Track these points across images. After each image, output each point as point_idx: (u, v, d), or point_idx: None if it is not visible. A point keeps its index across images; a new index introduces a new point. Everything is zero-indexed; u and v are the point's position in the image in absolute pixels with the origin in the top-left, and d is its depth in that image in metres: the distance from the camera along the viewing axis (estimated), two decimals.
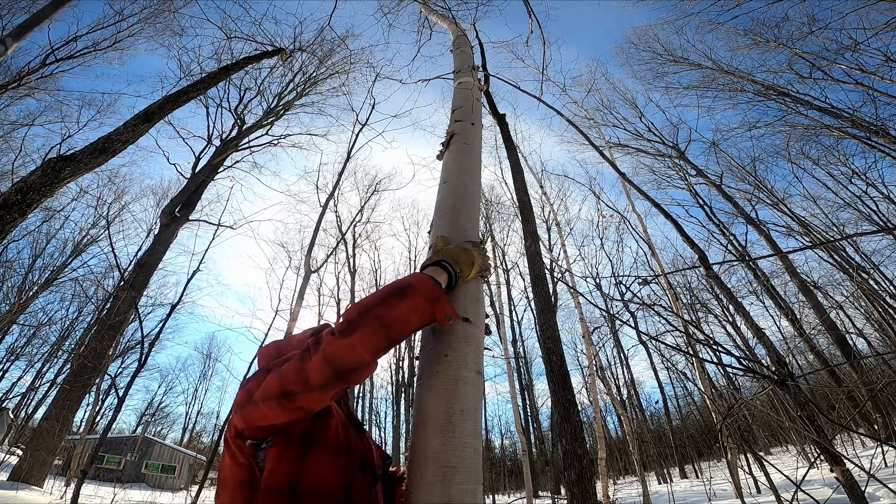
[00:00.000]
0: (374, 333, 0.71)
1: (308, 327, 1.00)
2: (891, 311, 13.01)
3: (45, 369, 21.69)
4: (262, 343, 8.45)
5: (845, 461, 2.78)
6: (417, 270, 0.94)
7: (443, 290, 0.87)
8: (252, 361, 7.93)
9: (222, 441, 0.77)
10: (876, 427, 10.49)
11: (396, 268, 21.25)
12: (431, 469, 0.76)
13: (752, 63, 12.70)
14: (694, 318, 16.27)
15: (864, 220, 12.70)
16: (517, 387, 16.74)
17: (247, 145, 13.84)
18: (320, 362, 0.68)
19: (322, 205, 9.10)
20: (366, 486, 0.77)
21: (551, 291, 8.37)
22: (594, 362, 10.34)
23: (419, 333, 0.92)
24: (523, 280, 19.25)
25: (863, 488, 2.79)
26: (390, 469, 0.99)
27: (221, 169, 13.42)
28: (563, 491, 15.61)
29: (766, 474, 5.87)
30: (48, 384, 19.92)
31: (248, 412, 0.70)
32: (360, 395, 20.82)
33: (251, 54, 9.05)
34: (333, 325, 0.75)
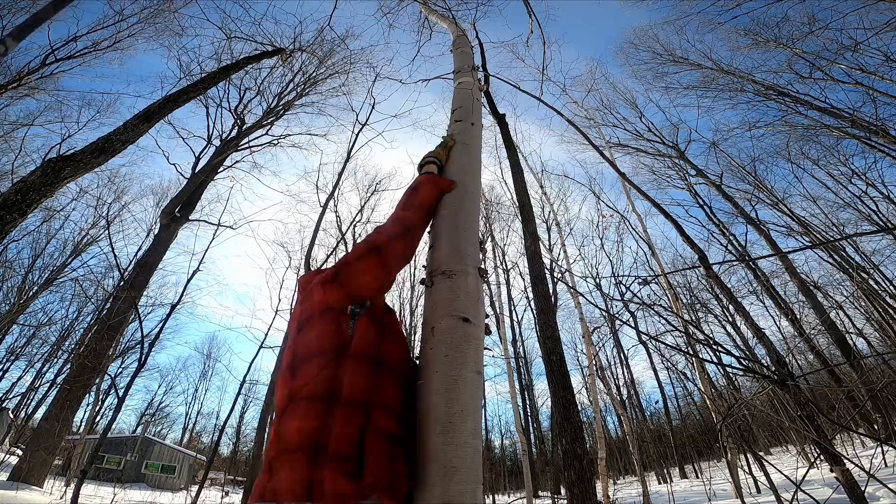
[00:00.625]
0: (417, 209, 1.14)
1: None
2: (891, 311, 13.00)
3: (45, 369, 21.67)
4: (263, 342, 8.46)
5: (845, 461, 2.78)
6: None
7: (437, 175, 1.33)
8: (255, 355, 7.93)
9: (301, 318, 0.87)
10: (876, 427, 10.48)
11: None
12: (431, 469, 0.76)
13: (752, 63, 12.71)
14: (694, 318, 16.26)
15: (864, 220, 12.68)
16: (517, 387, 16.74)
17: (247, 145, 13.84)
18: (392, 222, 1.04)
19: (322, 205, 9.10)
20: (412, 371, 0.93)
21: (551, 291, 8.37)
22: (594, 362, 10.34)
23: (419, 334, 1.00)
24: (523, 280, 19.22)
25: (863, 488, 2.79)
26: None
27: (221, 169, 13.42)
28: (563, 491, 15.61)
29: (766, 474, 5.87)
30: (48, 384, 19.89)
31: (344, 272, 0.88)
32: None
33: (251, 54, 9.04)
34: (389, 216, 1.09)
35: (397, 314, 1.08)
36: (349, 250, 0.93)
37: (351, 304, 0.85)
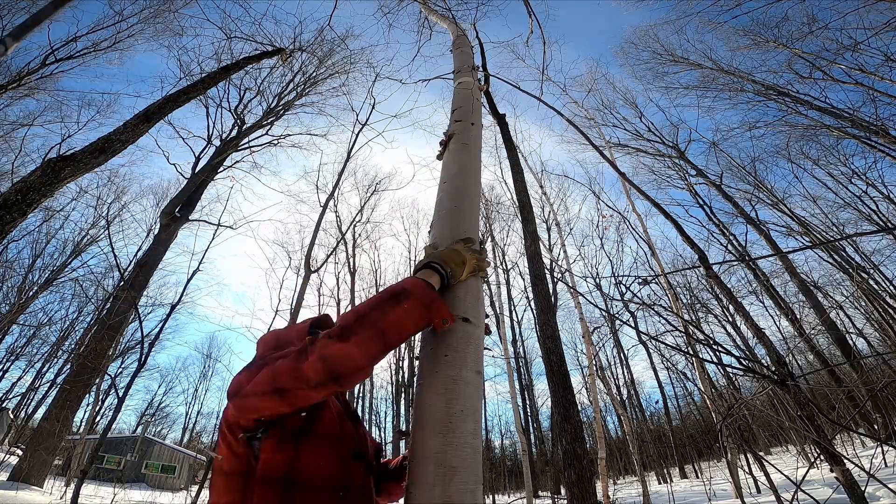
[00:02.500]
0: (370, 339, 0.72)
1: (308, 317, 1.02)
2: (891, 311, 13.01)
3: (45, 369, 21.67)
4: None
5: (845, 461, 2.78)
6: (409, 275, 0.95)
7: (436, 292, 0.86)
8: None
9: (224, 415, 0.79)
10: (876, 427, 10.49)
11: (396, 268, 21.28)
12: (431, 469, 0.76)
13: (752, 63, 12.71)
14: (694, 318, 16.26)
15: (864, 220, 12.70)
16: (517, 387, 16.75)
17: (247, 145, 13.84)
18: (316, 363, 0.68)
19: (322, 205, 9.11)
20: (359, 475, 0.79)
21: (551, 291, 8.37)
22: (594, 362, 10.34)
23: (419, 334, 0.93)
24: (523, 280, 19.25)
25: (863, 488, 2.79)
26: (382, 461, 1.03)
27: (221, 169, 13.42)
28: (563, 491, 15.61)
29: (766, 474, 5.87)
30: (48, 384, 19.91)
31: (238, 404, 0.72)
32: (360, 395, 20.81)
33: (251, 54, 9.05)
34: (329, 330, 0.74)
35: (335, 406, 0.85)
36: (251, 370, 0.75)
37: (251, 426, 0.73)
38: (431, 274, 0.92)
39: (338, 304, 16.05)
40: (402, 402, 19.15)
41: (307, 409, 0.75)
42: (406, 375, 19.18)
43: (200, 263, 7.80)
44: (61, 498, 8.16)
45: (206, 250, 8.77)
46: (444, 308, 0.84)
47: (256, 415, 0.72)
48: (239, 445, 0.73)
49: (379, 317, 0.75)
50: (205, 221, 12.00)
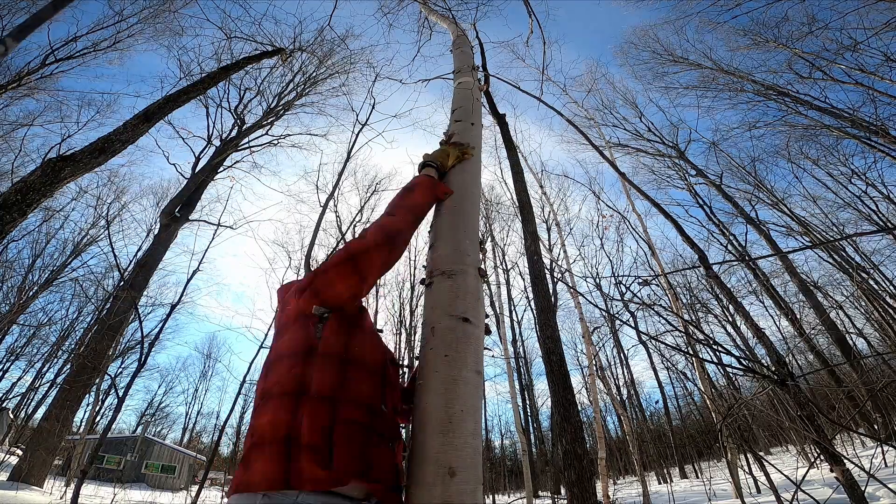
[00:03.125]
0: (406, 212, 1.11)
1: None
2: (891, 311, 13.00)
3: (45, 369, 21.66)
4: (263, 342, 8.46)
5: (845, 461, 2.78)
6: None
7: (435, 178, 1.29)
8: (255, 355, 7.94)
9: (278, 325, 0.96)
10: (876, 427, 10.49)
11: (396, 267, 21.24)
12: (431, 469, 0.76)
13: (751, 63, 12.70)
14: (694, 318, 16.25)
15: (863, 220, 12.69)
16: (517, 387, 16.74)
17: (247, 145, 13.83)
18: (376, 231, 1.00)
19: (322, 205, 9.09)
20: (395, 374, 0.96)
21: (551, 291, 8.37)
22: (594, 362, 10.33)
23: (419, 333, 1.00)
24: (523, 280, 19.23)
25: (863, 488, 2.79)
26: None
27: (221, 169, 13.42)
28: (563, 491, 15.60)
29: (766, 474, 5.86)
30: (48, 384, 19.88)
31: (318, 280, 0.90)
32: None
33: (251, 54, 9.04)
34: (379, 217, 1.08)
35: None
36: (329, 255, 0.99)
37: (325, 307, 0.88)
38: (430, 170, 1.32)
39: None
40: None
41: (360, 305, 0.98)
42: (406, 375, 19.17)
43: (200, 263, 7.78)
44: (61, 498, 8.16)
45: (206, 250, 8.75)
46: (444, 186, 1.29)
47: (331, 288, 0.89)
48: (306, 327, 0.86)
49: (405, 201, 1.15)
50: (205, 221, 12.00)
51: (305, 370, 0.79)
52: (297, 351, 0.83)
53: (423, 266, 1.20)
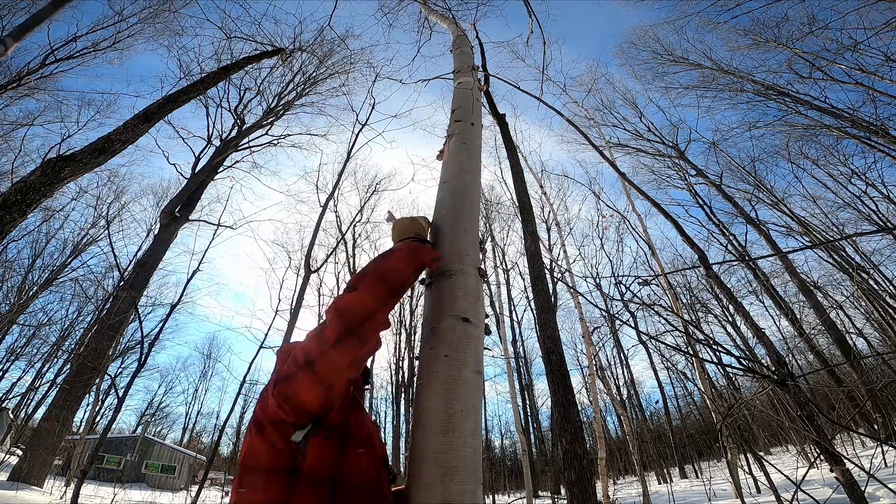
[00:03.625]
0: (374, 283, 0.82)
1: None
2: (891, 311, 13.00)
3: (45, 369, 21.66)
4: (263, 342, 8.47)
5: (845, 461, 2.78)
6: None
7: (420, 244, 1.02)
8: (255, 355, 7.95)
9: (251, 426, 0.76)
10: (876, 427, 10.49)
11: None
12: (431, 469, 0.76)
13: (751, 63, 12.71)
14: (694, 318, 16.26)
15: (863, 220, 12.68)
16: (517, 387, 16.75)
17: (246, 145, 13.83)
18: (332, 319, 0.75)
19: (322, 205, 9.08)
20: (387, 482, 0.80)
21: (551, 291, 8.37)
22: (594, 362, 10.33)
23: (419, 333, 0.95)
24: (523, 280, 19.24)
25: (863, 488, 2.79)
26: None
27: (221, 169, 13.42)
28: (563, 491, 15.61)
29: (766, 474, 5.86)
30: (48, 384, 19.88)
31: (282, 388, 0.71)
32: None
33: (251, 54, 9.04)
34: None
35: (366, 409, 0.87)
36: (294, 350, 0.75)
37: (298, 420, 0.71)
38: (410, 241, 1.06)
39: None
40: (402, 402, 19.14)
41: (345, 405, 0.76)
42: (406, 375, 19.17)
43: (200, 263, 7.80)
44: (61, 498, 8.16)
45: (206, 250, 8.76)
46: (430, 251, 1.01)
47: (297, 398, 0.70)
48: (284, 440, 0.70)
49: (377, 266, 0.87)
50: (205, 221, 11.99)
51: (284, 497, 0.67)
52: (273, 468, 0.69)
53: None
